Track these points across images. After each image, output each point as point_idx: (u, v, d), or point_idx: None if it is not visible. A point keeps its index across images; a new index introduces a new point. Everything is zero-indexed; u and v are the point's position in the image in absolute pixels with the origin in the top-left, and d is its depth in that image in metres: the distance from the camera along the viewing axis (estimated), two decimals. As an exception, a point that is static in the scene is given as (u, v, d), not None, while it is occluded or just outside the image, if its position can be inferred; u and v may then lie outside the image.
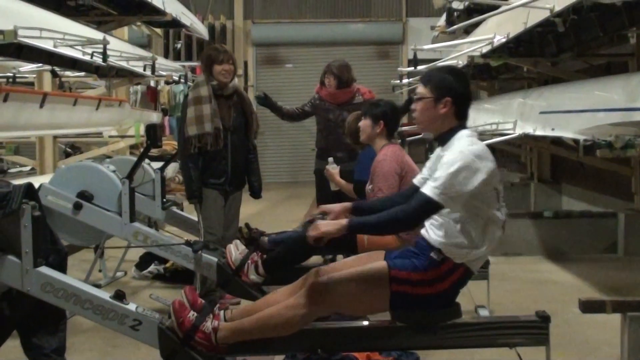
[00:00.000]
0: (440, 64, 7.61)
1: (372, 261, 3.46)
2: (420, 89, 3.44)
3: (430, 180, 3.28)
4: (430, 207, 3.22)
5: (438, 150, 3.45)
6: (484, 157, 3.26)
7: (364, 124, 5.02)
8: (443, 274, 3.32)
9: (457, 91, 3.38)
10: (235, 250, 4.60)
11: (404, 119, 9.30)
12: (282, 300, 3.37)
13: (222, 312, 3.45)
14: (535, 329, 3.39)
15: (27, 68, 8.88)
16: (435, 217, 3.36)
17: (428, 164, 3.53)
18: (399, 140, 5.12)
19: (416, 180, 3.61)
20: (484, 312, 5.14)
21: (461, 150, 3.25)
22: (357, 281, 3.33)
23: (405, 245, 4.85)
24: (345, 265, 3.52)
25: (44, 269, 3.44)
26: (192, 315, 3.39)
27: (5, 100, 5.97)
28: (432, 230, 3.38)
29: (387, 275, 3.31)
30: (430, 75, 3.53)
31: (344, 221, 3.34)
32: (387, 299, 3.31)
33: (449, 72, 3.53)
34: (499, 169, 3.37)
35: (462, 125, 3.41)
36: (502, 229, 3.40)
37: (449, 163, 3.22)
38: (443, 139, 3.41)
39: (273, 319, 3.32)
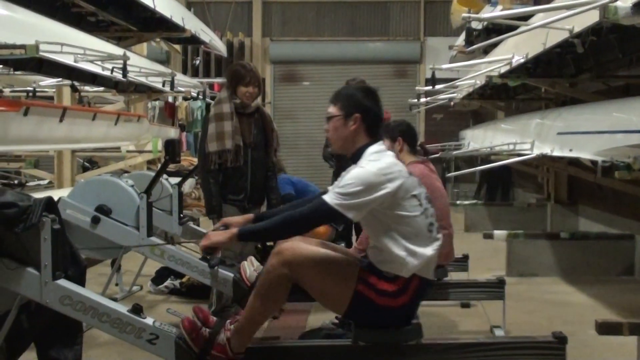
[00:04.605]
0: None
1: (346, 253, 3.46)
2: None
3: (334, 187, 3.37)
4: (324, 210, 3.27)
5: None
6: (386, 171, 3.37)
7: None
8: (403, 287, 3.35)
9: None
10: (250, 266, 4.60)
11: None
12: None
13: (233, 326, 3.48)
14: (552, 350, 3.39)
15: (47, 82, 8.96)
16: (370, 239, 3.47)
17: None
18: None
19: None
20: (499, 332, 5.11)
21: (361, 165, 3.42)
22: (326, 264, 3.35)
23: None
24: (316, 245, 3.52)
25: (63, 282, 3.45)
26: (205, 330, 3.43)
27: (25, 114, 6.01)
28: (370, 253, 3.47)
29: (356, 272, 3.35)
30: None
31: (234, 230, 3.40)
32: (349, 295, 3.32)
33: None
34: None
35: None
36: (432, 230, 3.46)
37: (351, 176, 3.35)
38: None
39: (256, 297, 3.41)
